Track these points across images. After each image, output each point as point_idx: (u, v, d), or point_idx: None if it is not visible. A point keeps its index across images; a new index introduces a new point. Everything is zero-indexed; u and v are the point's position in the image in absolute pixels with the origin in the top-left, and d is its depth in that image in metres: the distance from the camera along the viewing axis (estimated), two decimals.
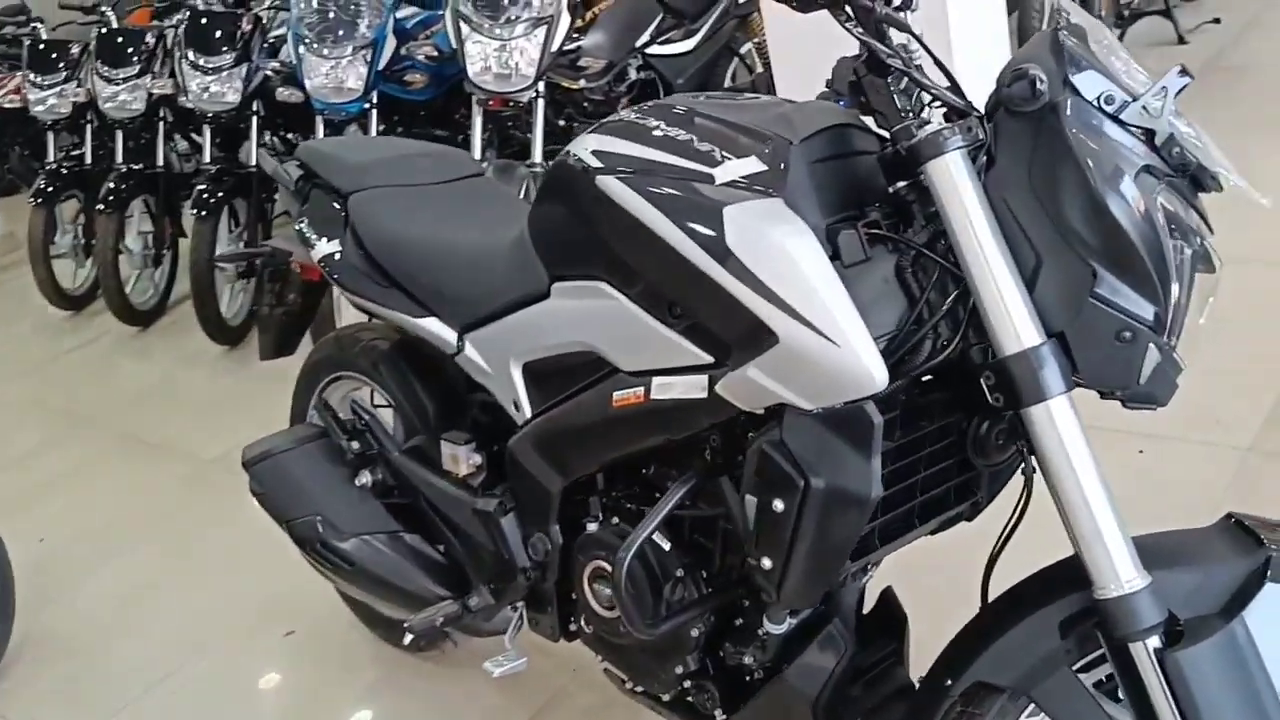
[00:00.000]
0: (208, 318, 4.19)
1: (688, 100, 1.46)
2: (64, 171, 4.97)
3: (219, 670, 2.51)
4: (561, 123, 3.49)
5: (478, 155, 3.19)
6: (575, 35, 3.35)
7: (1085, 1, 4.47)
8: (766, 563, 1.32)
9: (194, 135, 4.94)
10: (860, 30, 1.20)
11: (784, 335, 1.22)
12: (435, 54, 3.45)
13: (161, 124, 4.68)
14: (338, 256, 1.92)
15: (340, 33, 3.57)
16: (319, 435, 2.03)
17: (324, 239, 1.96)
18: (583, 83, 3.37)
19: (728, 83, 4.15)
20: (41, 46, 5.04)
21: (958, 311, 1.25)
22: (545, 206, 1.58)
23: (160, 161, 4.72)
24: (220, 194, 4.13)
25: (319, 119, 3.71)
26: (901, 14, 1.24)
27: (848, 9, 1.20)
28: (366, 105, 3.66)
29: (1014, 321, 1.17)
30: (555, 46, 3.04)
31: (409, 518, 1.95)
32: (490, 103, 3.13)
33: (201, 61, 4.13)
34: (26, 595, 2.88)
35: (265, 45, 4.20)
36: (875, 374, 1.19)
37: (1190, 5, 5.52)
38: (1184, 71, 1.18)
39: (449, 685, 2.26)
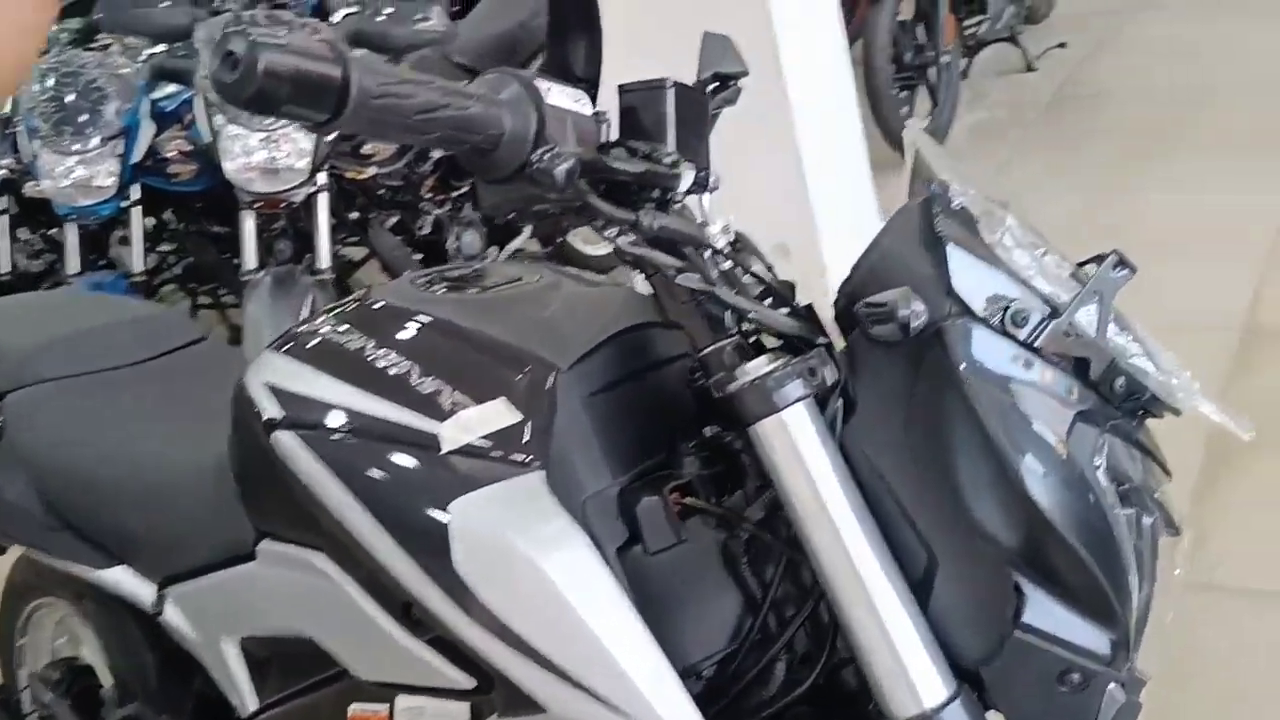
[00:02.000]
0: None
1: (423, 297, 1.01)
2: None
3: None
4: (355, 215, 3.01)
5: (251, 265, 2.69)
6: None
7: (930, 31, 4.19)
8: None
9: None
10: (630, 243, 0.76)
11: (550, 704, 0.78)
12: (190, 148, 2.93)
13: None
14: None
15: (83, 121, 3.01)
16: None
17: None
18: (373, 170, 2.90)
19: None
20: None
21: (821, 617, 0.84)
22: (235, 440, 1.11)
23: None
24: None
25: (68, 226, 3.13)
26: (698, 196, 0.81)
27: (604, 214, 0.76)
28: (124, 204, 3.10)
29: (902, 665, 0.76)
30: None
31: None
32: (259, 205, 2.64)
33: None
34: None
35: (8, 134, 3.59)
36: None
37: (1035, 30, 5.34)
38: (1122, 263, 0.78)
39: None
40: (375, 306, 1.00)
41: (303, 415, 0.93)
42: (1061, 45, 4.97)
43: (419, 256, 3.15)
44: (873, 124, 3.86)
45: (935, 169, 0.81)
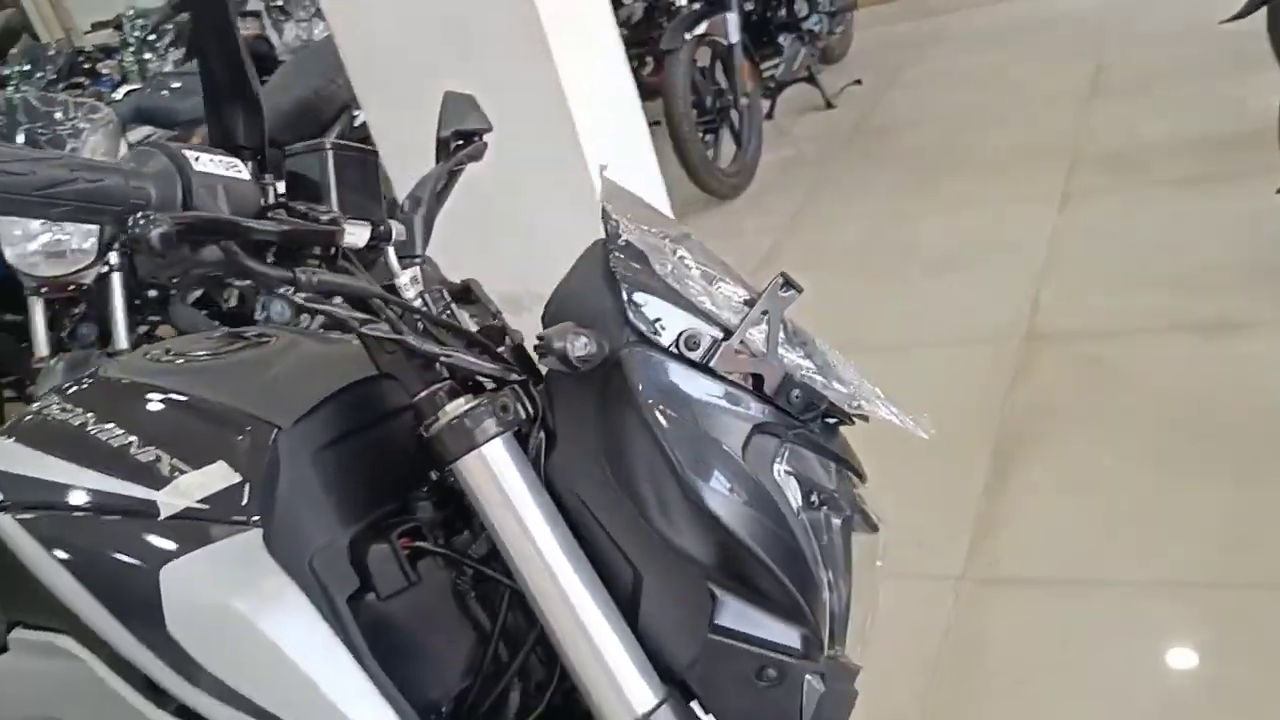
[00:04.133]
0: None
1: (148, 368, 1.01)
2: None
3: None
4: (153, 293, 2.93)
5: (43, 352, 2.59)
6: None
7: (729, 76, 4.35)
8: None
9: None
10: (305, 299, 0.78)
11: None
12: None
13: None
14: None
15: None
16: None
17: None
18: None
19: None
20: None
21: (550, 642, 0.86)
22: None
23: None
24: None
25: None
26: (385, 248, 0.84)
27: (259, 276, 0.78)
28: None
29: (612, 677, 0.79)
30: None
31: None
32: (45, 290, 2.56)
33: None
34: None
35: None
36: None
37: (832, 70, 5.60)
38: (788, 284, 0.84)
39: None
40: (99, 382, 1.00)
41: (24, 497, 0.92)
42: (857, 82, 5.24)
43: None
44: (679, 167, 3.99)
45: (618, 210, 0.86)
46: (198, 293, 3.03)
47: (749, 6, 4.79)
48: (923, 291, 3.18)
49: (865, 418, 0.90)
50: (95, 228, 2.53)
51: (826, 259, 3.55)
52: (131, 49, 4.47)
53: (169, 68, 4.29)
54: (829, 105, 5.10)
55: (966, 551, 2.17)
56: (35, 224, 2.51)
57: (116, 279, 2.67)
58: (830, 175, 4.26)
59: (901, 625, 2.03)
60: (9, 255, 2.54)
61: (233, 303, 3.03)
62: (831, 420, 0.89)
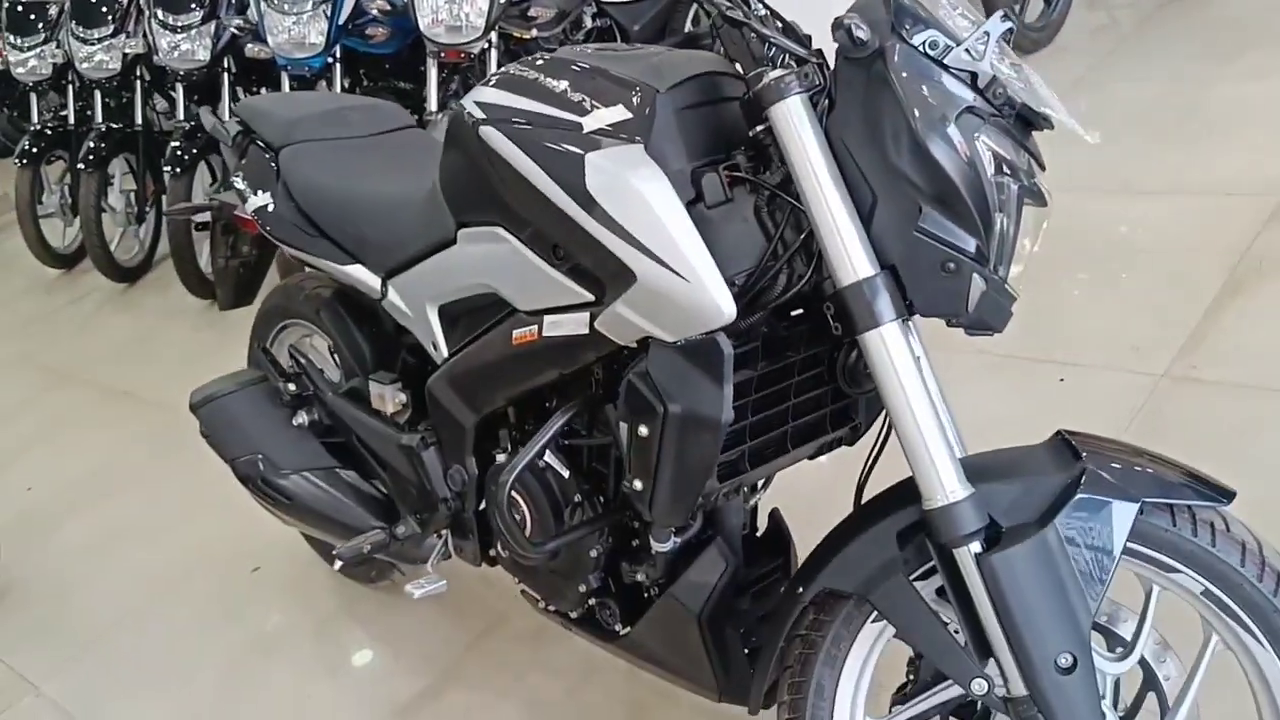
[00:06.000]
0: (187, 273, 4.29)
1: (573, 53, 1.54)
2: (48, 132, 5.05)
3: (189, 605, 2.65)
4: None
5: (434, 107, 3.26)
6: None
7: None
8: (638, 484, 1.43)
9: (171, 93, 5.01)
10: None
11: (641, 274, 1.32)
12: (389, 8, 3.51)
13: (139, 83, 4.75)
14: (270, 208, 2.02)
15: None
16: (260, 379, 2.14)
17: (257, 192, 2.05)
18: (535, 32, 3.43)
19: (688, 27, 4.19)
20: (20, 8, 5.09)
21: (811, 247, 1.34)
22: (448, 157, 1.66)
23: (139, 120, 4.80)
24: (194, 151, 4.21)
25: (284, 75, 3.78)
26: None
27: None
28: (330, 60, 3.73)
29: (849, 255, 1.26)
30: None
31: (344, 455, 2.06)
32: (443, 55, 3.20)
33: (170, 20, 4.19)
34: (13, 541, 3.04)
35: (233, 2, 4.25)
36: (723, 306, 1.29)
37: None
38: (1006, 16, 1.25)
39: (398, 614, 2.39)
40: (550, 59, 1.53)
41: (500, 117, 1.47)
42: None
43: None
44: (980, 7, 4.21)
45: None
46: None
47: None
48: (1198, 148, 3.35)
49: (1050, 125, 1.30)
50: (486, 7, 3.14)
51: (1112, 113, 3.74)
52: None
53: None
54: None
55: (1174, 356, 2.48)
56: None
57: (493, 54, 3.30)
58: (1135, 38, 4.35)
59: (1096, 407, 2.40)
60: (422, 24, 3.20)
61: None
62: (1026, 119, 1.29)
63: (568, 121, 1.40)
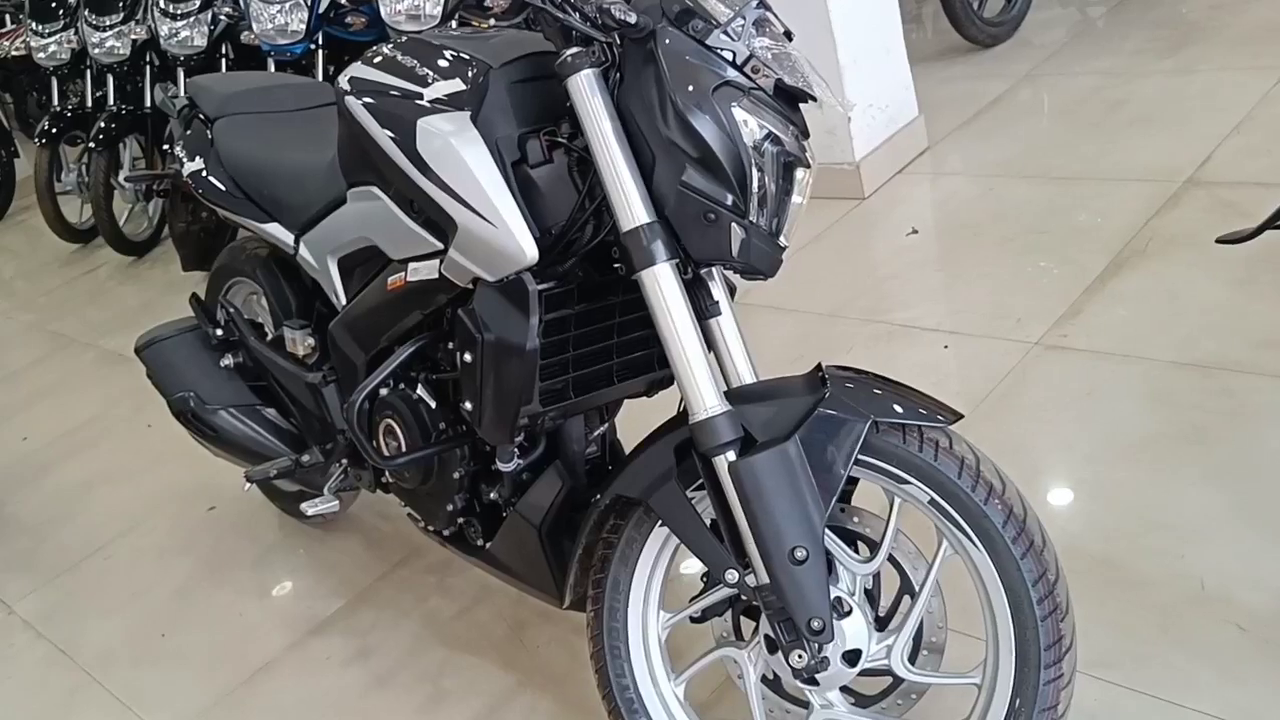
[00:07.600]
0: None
1: (434, 35, 1.78)
2: (66, 114, 5.37)
3: (151, 538, 2.92)
4: None
5: None
6: None
7: None
8: (468, 405, 1.66)
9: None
10: None
11: (461, 222, 1.55)
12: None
13: (148, 67, 5.05)
14: (203, 173, 2.27)
15: None
16: (194, 326, 2.40)
17: (195, 158, 2.31)
18: (492, 21, 3.65)
19: None
20: None
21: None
22: (339, 126, 1.90)
23: (149, 102, 5.09)
24: None
25: (269, 60, 4.05)
26: None
27: None
28: (312, 46, 4.00)
29: (629, 204, 1.47)
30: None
31: (265, 395, 2.32)
32: None
33: (171, 8, 4.48)
34: (5, 484, 3.34)
35: None
36: (525, 249, 1.51)
37: None
38: (760, 4, 1.46)
39: (328, 546, 2.65)
40: (411, 40, 1.76)
41: (360, 89, 1.71)
42: None
43: None
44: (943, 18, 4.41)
45: None
46: None
47: None
48: (1117, 139, 3.52)
49: (811, 96, 1.51)
50: None
51: (1048, 106, 3.91)
52: None
53: None
54: None
55: (1049, 326, 2.67)
56: None
57: None
58: (1089, 34, 4.50)
59: (972, 370, 2.60)
60: (384, 12, 3.45)
61: None
62: (791, 94, 1.50)
63: (412, 92, 1.63)
